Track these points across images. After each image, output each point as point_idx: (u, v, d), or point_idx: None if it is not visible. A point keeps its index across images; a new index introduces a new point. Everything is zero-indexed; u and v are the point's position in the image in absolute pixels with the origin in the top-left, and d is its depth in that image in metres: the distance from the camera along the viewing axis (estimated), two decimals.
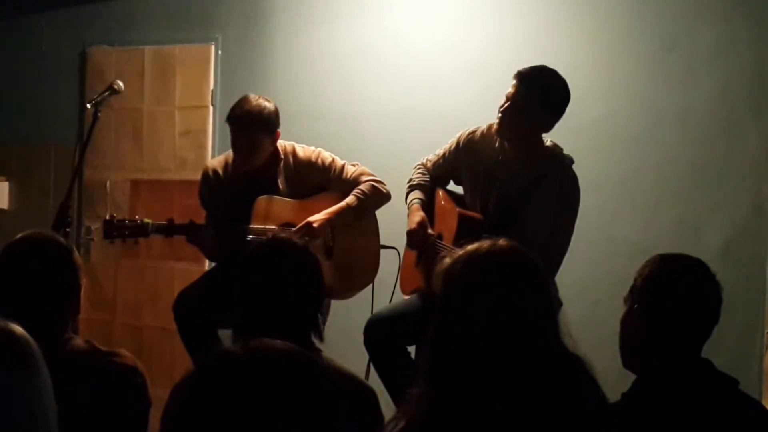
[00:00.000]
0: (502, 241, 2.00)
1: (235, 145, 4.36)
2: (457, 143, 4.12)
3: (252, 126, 4.28)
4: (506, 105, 3.84)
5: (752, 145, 4.93)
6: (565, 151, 3.95)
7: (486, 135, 4.00)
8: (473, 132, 4.07)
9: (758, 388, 4.73)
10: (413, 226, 4.06)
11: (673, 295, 2.44)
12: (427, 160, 4.29)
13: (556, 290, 2.02)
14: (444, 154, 4.20)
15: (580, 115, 5.13)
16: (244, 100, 4.35)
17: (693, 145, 5.02)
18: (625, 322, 2.53)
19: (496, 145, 3.96)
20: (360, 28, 5.61)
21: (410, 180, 4.29)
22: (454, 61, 5.32)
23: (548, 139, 3.94)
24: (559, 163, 3.89)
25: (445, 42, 5.42)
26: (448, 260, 1.99)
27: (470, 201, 4.06)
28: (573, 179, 3.89)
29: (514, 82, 3.83)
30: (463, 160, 4.09)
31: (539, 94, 3.80)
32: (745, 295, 4.77)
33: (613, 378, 2.23)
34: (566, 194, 3.86)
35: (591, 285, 4.95)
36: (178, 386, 2.56)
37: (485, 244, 1.99)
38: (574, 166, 3.91)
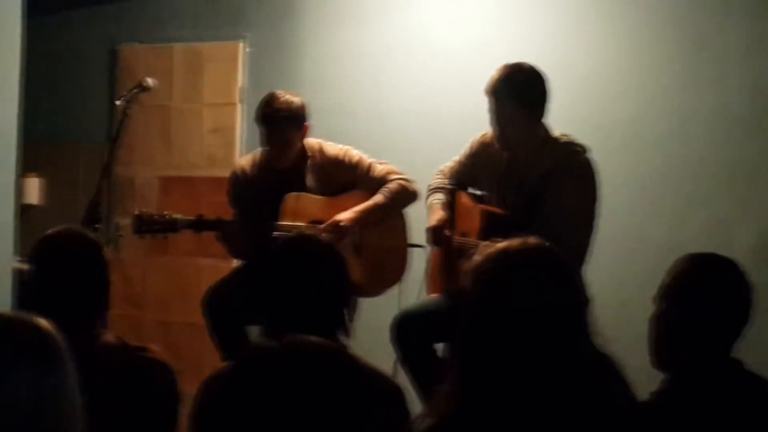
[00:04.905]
0: (532, 239, 2.00)
1: (267, 143, 4.38)
2: (471, 148, 4.16)
3: (281, 123, 4.30)
4: (491, 120, 3.90)
5: None
6: (595, 151, 3.93)
7: None
8: (485, 135, 4.09)
9: None
10: (432, 223, 4.08)
11: (702, 295, 2.43)
12: (445, 167, 4.31)
13: (584, 284, 2.01)
14: (460, 160, 4.23)
15: (610, 116, 5.14)
16: (272, 97, 4.36)
17: (723, 145, 4.99)
18: (654, 322, 2.52)
19: None
20: (389, 26, 5.61)
21: (430, 185, 4.31)
22: (484, 59, 5.27)
23: (557, 130, 3.95)
24: (571, 151, 3.89)
25: (474, 40, 5.41)
26: (478, 257, 2.00)
27: (488, 202, 4.08)
28: (587, 165, 3.89)
29: (488, 97, 3.89)
30: (478, 164, 4.12)
31: (511, 97, 3.85)
32: None
33: (643, 378, 2.22)
34: (581, 180, 3.86)
35: (620, 285, 4.92)
36: (208, 381, 2.58)
37: (515, 242, 1.99)
38: (601, 160, 3.90)
